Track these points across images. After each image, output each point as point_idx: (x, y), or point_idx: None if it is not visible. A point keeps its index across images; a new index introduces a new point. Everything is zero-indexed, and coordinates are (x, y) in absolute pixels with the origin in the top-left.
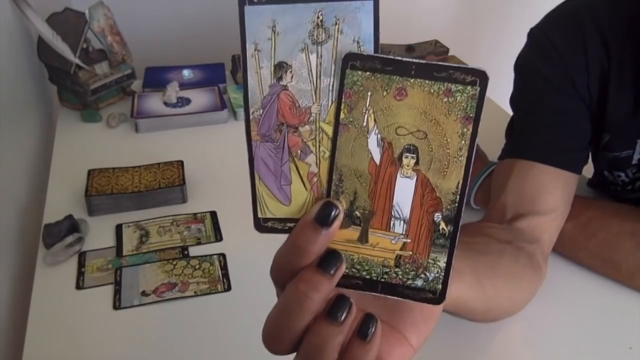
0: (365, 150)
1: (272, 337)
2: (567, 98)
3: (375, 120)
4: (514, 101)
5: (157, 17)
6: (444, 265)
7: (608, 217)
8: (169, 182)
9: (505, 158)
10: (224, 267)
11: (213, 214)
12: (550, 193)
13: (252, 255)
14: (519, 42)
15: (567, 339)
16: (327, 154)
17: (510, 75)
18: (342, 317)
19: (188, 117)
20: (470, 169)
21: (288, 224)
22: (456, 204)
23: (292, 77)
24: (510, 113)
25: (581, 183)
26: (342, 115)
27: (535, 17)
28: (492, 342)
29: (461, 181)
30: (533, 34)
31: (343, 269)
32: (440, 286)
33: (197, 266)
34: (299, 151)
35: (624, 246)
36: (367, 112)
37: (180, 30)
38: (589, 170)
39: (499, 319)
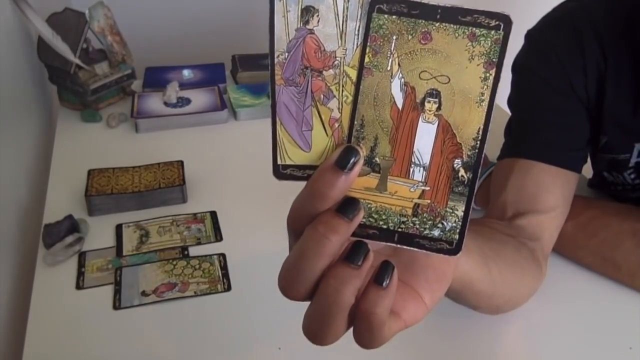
0: (388, 95)
1: (289, 282)
2: (565, 98)
3: (399, 64)
4: (512, 102)
5: (157, 17)
6: (462, 214)
7: (608, 217)
8: (169, 182)
9: (504, 158)
10: (224, 267)
11: (213, 214)
12: (551, 192)
13: (252, 255)
14: (518, 42)
15: (567, 338)
16: (350, 98)
17: (509, 76)
18: (360, 261)
19: (188, 117)
20: (492, 115)
21: (307, 171)
22: (476, 150)
23: (318, 21)
24: (510, 113)
25: (581, 184)
26: (366, 59)
27: (533, 18)
28: (492, 341)
29: (482, 127)
30: (530, 35)
31: (361, 216)
32: (457, 236)
33: (197, 266)
34: (322, 95)
35: (624, 245)
36: (391, 56)
37: (180, 30)
38: (589, 170)
39: (501, 308)
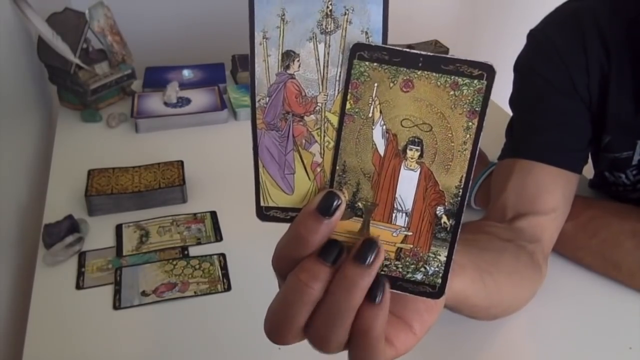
0: (370, 142)
1: (274, 328)
2: (568, 98)
3: (380, 111)
4: (513, 102)
5: (157, 17)
6: (445, 259)
7: (609, 217)
8: (169, 182)
9: (505, 158)
10: (224, 267)
11: (213, 214)
12: (551, 193)
13: (252, 255)
14: (519, 42)
15: (567, 338)
16: (332, 144)
17: (511, 76)
18: (370, 260)
19: (188, 117)
20: (474, 164)
21: (290, 213)
22: (459, 198)
23: (299, 66)
24: (511, 113)
25: (582, 184)
26: (348, 106)
27: (535, 17)
28: (492, 341)
29: (464, 175)
30: (533, 35)
31: (344, 260)
32: (440, 280)
33: (197, 266)
34: (303, 140)
35: (624, 245)
36: (373, 103)
37: (180, 30)
38: (589, 171)
39: (500, 316)
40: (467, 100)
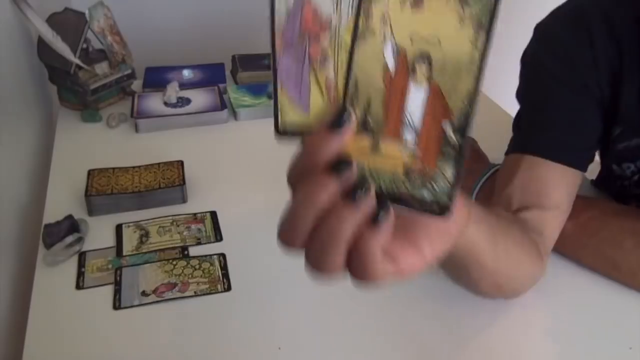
0: (381, 59)
1: (285, 233)
2: (576, 94)
3: (391, 28)
4: (520, 95)
5: (157, 17)
6: (452, 177)
7: (608, 216)
8: (169, 182)
9: (512, 152)
10: (224, 267)
11: (213, 214)
12: (556, 190)
13: (252, 255)
14: (520, 40)
15: (567, 338)
16: (345, 62)
17: (511, 75)
18: (359, 199)
19: (188, 117)
20: (483, 80)
21: (306, 131)
22: (466, 113)
23: None
24: (511, 113)
25: (585, 184)
26: (360, 24)
27: (537, 15)
28: (491, 341)
29: (472, 90)
30: (539, 29)
31: (352, 173)
32: (446, 199)
33: (197, 266)
34: (319, 60)
35: (624, 245)
36: (384, 20)
37: (180, 30)
38: (592, 171)
39: (502, 289)
40: (476, 15)
